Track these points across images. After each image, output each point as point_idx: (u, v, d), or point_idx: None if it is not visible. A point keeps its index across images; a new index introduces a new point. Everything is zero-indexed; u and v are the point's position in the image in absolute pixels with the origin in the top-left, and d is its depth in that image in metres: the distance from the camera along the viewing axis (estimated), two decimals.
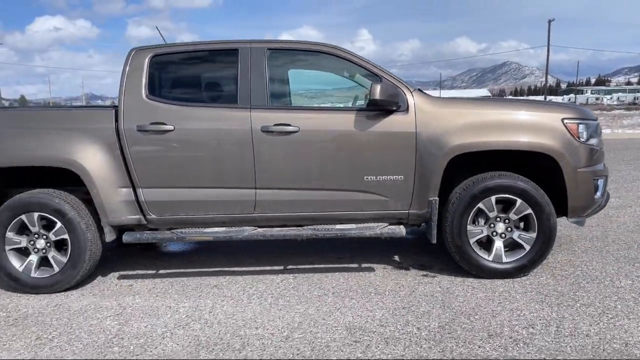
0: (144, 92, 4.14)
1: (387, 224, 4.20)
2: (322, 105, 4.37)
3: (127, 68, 4.18)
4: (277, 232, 4.16)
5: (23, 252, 4.22)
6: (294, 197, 4.15)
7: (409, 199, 4.13)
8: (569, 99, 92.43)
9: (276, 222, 4.25)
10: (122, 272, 4.67)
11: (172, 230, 4.22)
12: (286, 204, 4.16)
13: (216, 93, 4.32)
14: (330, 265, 4.64)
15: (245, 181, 4.12)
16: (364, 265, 4.63)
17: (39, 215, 4.11)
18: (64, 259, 4.15)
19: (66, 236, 4.12)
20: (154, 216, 4.19)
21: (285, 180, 4.12)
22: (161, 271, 4.69)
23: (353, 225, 4.17)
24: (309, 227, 4.18)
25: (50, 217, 4.10)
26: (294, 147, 4.07)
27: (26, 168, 4.16)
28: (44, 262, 4.22)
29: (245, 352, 3.07)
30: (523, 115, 4.12)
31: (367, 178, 4.10)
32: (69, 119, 4.18)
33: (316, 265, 4.66)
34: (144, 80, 4.16)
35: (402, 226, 4.18)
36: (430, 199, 4.07)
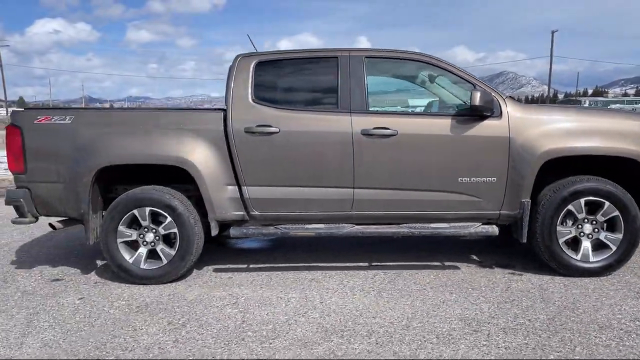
0: (250, 96, 4.39)
1: (480, 224, 4.42)
2: (417, 110, 4.59)
3: (234, 73, 4.44)
4: (375, 229, 4.40)
5: (131, 245, 4.46)
6: (390, 196, 4.38)
7: (500, 200, 4.36)
8: None
9: (371, 220, 4.49)
10: (215, 266, 4.90)
11: (276, 226, 4.46)
12: (382, 203, 4.40)
13: (317, 98, 4.56)
14: (413, 263, 4.86)
15: (344, 181, 4.35)
16: (447, 263, 4.84)
17: (150, 210, 4.36)
18: (172, 252, 4.39)
19: (175, 230, 4.37)
20: (257, 212, 4.43)
21: (382, 181, 4.35)
22: (252, 265, 4.93)
23: (447, 225, 4.40)
24: (406, 225, 4.41)
25: (161, 211, 4.35)
26: (392, 149, 4.31)
27: (135, 166, 4.41)
28: (150, 254, 4.46)
29: (374, 338, 3.30)
30: (610, 122, 4.35)
31: (461, 179, 4.33)
32: (182, 121, 4.43)
33: (399, 262, 4.88)
34: (250, 85, 4.41)
35: (494, 226, 4.40)
36: (523, 200, 4.30)
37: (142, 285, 4.39)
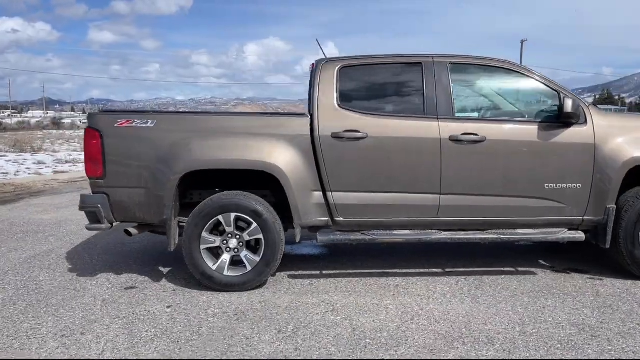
0: (336, 101, 4.36)
1: (566, 230, 4.46)
2: (504, 116, 4.61)
3: (319, 78, 4.40)
4: (464, 235, 4.40)
5: (212, 252, 4.37)
6: (475, 202, 4.39)
7: (584, 206, 4.41)
8: None
9: (455, 226, 4.49)
10: (287, 273, 4.83)
11: (363, 232, 4.42)
12: (467, 209, 4.40)
13: (402, 103, 4.54)
14: (486, 269, 4.88)
15: (431, 187, 4.35)
16: (520, 268, 4.88)
17: (235, 215, 4.28)
18: (257, 258, 4.31)
19: (260, 236, 4.29)
20: (341, 218, 4.39)
21: (469, 187, 4.36)
22: (324, 272, 4.88)
23: (535, 230, 4.43)
24: (494, 231, 4.43)
25: (247, 217, 4.27)
26: (479, 155, 4.33)
27: (211, 171, 4.33)
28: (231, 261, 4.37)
29: (497, 345, 3.29)
30: None
31: (547, 186, 4.37)
32: (269, 125, 4.37)
33: (471, 269, 4.89)
34: (335, 90, 4.38)
35: (580, 232, 4.45)
36: (608, 206, 4.36)
37: (224, 293, 4.29)
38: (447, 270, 4.89)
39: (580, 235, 4.43)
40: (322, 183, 4.34)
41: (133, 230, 4.47)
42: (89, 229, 4.46)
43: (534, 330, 3.50)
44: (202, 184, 4.60)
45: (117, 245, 5.97)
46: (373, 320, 3.70)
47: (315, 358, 3.16)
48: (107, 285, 4.56)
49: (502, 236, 4.40)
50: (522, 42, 61.15)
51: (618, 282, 4.47)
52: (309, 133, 4.31)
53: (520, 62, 59.07)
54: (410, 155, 4.32)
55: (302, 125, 4.34)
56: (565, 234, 4.43)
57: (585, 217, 4.44)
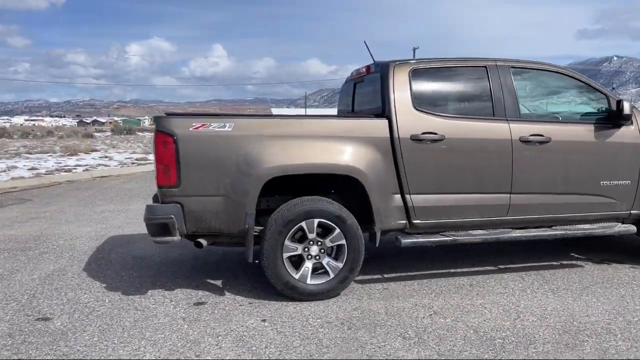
0: (411, 103, 4.36)
1: (620, 223, 4.79)
2: (562, 118, 4.86)
3: (392, 81, 4.37)
4: (535, 232, 4.58)
5: (291, 261, 4.18)
6: (541, 201, 4.59)
7: (631, 201, 4.77)
8: None
9: (522, 224, 4.66)
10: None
11: (442, 234, 4.45)
12: (534, 207, 4.59)
13: (472, 105, 4.63)
14: (532, 264, 5.11)
15: (503, 187, 4.49)
16: (564, 262, 5.17)
17: (318, 221, 4.13)
18: (339, 265, 4.20)
19: (342, 242, 4.17)
20: (419, 221, 4.40)
21: (535, 186, 4.55)
22: (385, 275, 4.85)
23: (595, 226, 4.72)
24: (560, 227, 4.65)
25: (330, 223, 4.14)
26: (546, 155, 4.53)
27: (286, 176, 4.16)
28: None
29: (619, 335, 3.46)
30: None
31: (603, 183, 4.67)
32: (348, 128, 4.26)
33: (520, 265, 5.10)
34: (409, 93, 4.37)
35: (632, 225, 4.80)
36: None
37: (308, 303, 4.12)
38: (499, 266, 5.06)
39: (632, 228, 4.78)
40: (401, 186, 4.32)
41: (203, 242, 4.17)
42: (158, 242, 4.09)
43: (636, 319, 3.73)
44: (265, 190, 4.38)
45: (136, 258, 5.53)
46: (484, 320, 3.74)
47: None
48: (168, 302, 4.21)
49: (568, 232, 4.64)
50: (414, 49, 64.90)
51: None
52: (388, 135, 4.27)
53: None
54: (484, 156, 4.43)
55: (381, 128, 4.28)
56: (620, 228, 4.76)
57: (632, 211, 4.80)
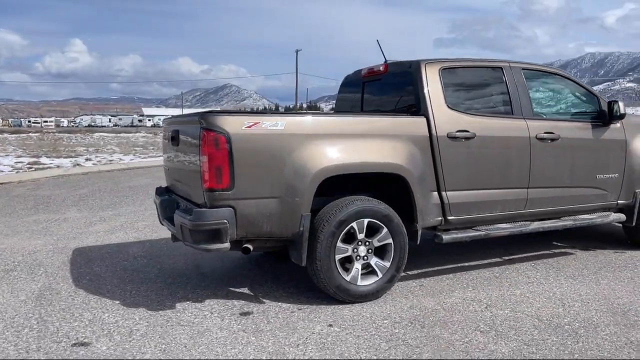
0: (444, 101, 4.46)
1: (612, 213, 5.28)
2: (566, 117, 5.24)
3: (425, 79, 4.44)
4: (551, 224, 4.90)
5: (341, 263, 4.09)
6: (552, 194, 4.93)
7: (618, 192, 5.28)
8: None
9: (534, 217, 4.96)
10: None
11: (475, 229, 4.60)
12: (547, 200, 4.91)
13: (494, 104, 4.83)
14: (531, 254, 5.46)
15: (522, 182, 4.75)
16: (556, 250, 5.59)
17: (368, 221, 4.08)
18: (386, 264, 4.18)
19: (389, 241, 4.16)
20: (453, 217, 4.51)
21: (547, 180, 4.87)
22: (411, 272, 4.89)
23: (595, 215, 5.16)
24: (569, 218, 5.02)
25: (379, 223, 4.11)
26: (556, 151, 4.87)
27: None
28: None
29: None
30: None
31: (598, 176, 5.13)
32: (393, 127, 4.25)
33: (518, 255, 5.43)
34: (441, 91, 4.47)
35: (622, 214, 5.30)
36: (636, 190, 5.30)
37: (359, 304, 4.05)
38: (505, 258, 5.34)
39: (623, 217, 5.29)
40: (438, 183, 4.40)
41: (251, 247, 3.93)
42: (203, 249, 3.79)
43: None
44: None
45: (128, 271, 5.07)
46: (537, 309, 3.93)
47: (556, 349, 3.29)
48: (208, 314, 3.91)
49: (575, 222, 5.02)
50: (297, 51, 66.73)
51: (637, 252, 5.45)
52: (427, 133, 4.33)
53: (296, 70, 64.25)
54: (510, 152, 4.66)
55: (421, 126, 4.33)
56: (614, 216, 5.25)
57: (618, 201, 5.32)
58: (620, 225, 5.55)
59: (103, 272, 5.06)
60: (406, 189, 4.22)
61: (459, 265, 5.10)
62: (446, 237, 4.43)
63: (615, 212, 5.38)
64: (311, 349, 3.31)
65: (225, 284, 4.61)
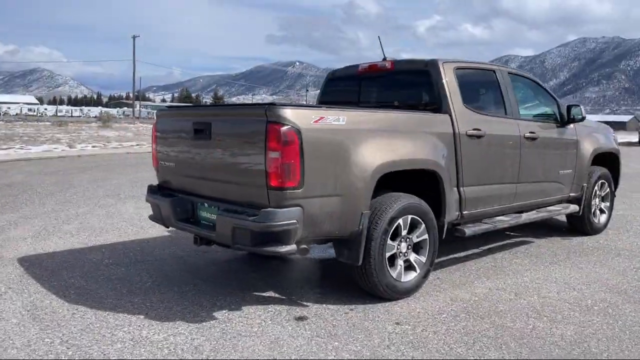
0: (461, 100, 4.68)
1: (570, 204, 5.97)
2: (537, 118, 5.76)
3: (444, 78, 4.61)
4: (536, 215, 5.42)
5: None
6: (531, 188, 5.43)
7: (571, 185, 6.01)
8: (124, 112, 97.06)
9: (520, 209, 5.42)
10: None
11: (485, 222, 4.89)
12: (527, 194, 5.40)
13: (493, 104, 5.15)
14: (506, 242, 5.96)
15: (514, 177, 5.17)
16: (516, 240, 6.15)
17: (411, 218, 4.14)
18: (423, 259, 4.27)
19: (425, 237, 4.26)
20: (467, 212, 4.74)
21: (529, 176, 5.36)
22: None
23: (559, 207, 5.79)
24: (544, 209, 5.58)
25: (419, 219, 4.19)
26: (537, 150, 5.39)
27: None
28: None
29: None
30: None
31: (560, 172, 5.78)
32: (427, 123, 4.35)
33: (492, 245, 5.89)
34: (458, 89, 4.68)
35: (575, 205, 6.01)
36: (583, 184, 6.07)
37: (401, 301, 4.10)
38: (482, 249, 5.74)
39: (577, 207, 6.01)
40: (458, 179, 4.61)
41: (308, 247, 3.75)
42: (267, 252, 3.53)
43: (630, 276, 4.80)
44: None
45: (122, 281, 4.50)
46: (559, 292, 4.33)
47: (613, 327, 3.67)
48: (264, 322, 3.68)
49: (550, 213, 5.62)
50: (134, 37, 64.08)
51: (587, 238, 6.22)
52: (452, 131, 4.51)
53: (134, 57, 61.76)
54: (507, 150, 5.04)
55: (447, 124, 4.49)
56: (571, 207, 5.94)
57: (570, 194, 6.04)
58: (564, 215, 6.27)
59: (85, 283, 4.40)
60: (434, 184, 4.35)
61: (452, 257, 5.36)
62: (468, 231, 4.66)
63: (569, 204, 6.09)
64: (404, 348, 3.28)
65: (241, 287, 4.34)
